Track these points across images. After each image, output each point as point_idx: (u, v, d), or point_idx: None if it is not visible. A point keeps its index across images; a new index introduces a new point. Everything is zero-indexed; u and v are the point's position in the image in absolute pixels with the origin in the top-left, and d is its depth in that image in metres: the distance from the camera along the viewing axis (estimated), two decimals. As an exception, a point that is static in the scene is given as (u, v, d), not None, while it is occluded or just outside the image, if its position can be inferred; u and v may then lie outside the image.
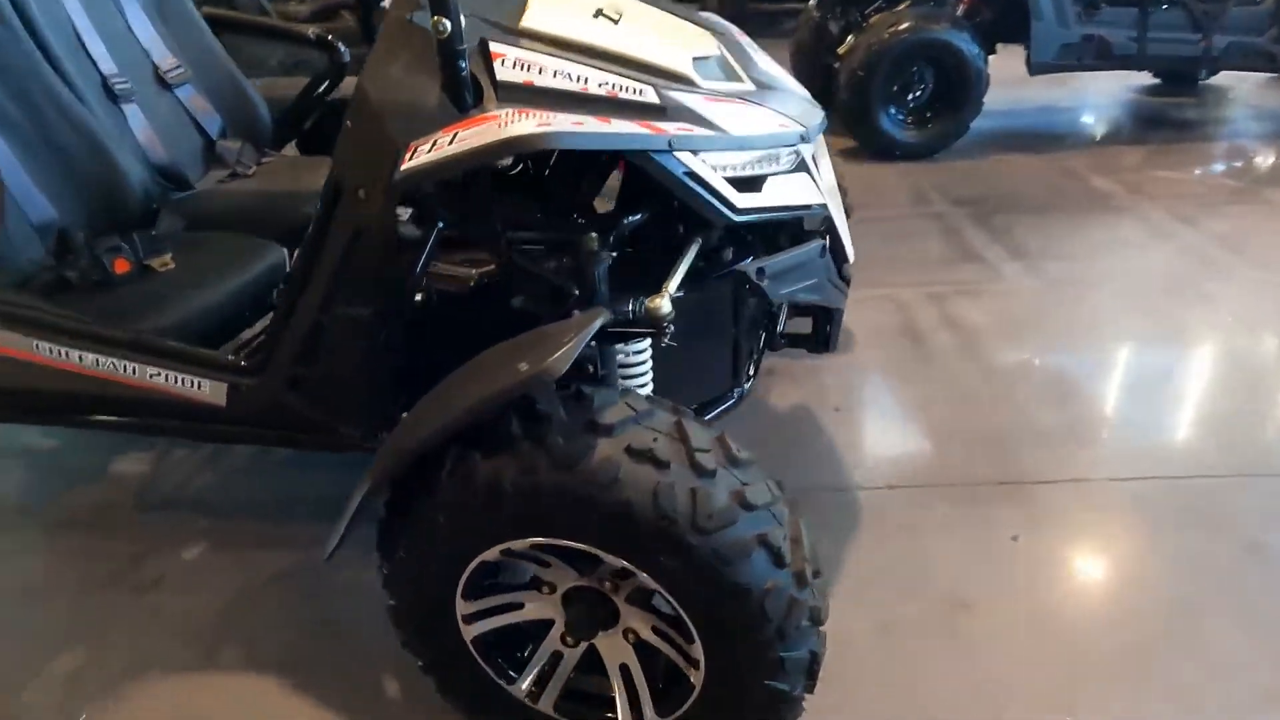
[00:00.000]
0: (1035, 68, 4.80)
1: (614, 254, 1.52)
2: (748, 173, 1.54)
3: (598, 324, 1.21)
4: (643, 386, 1.51)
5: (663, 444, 1.18)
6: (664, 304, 1.39)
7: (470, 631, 1.40)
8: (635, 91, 1.45)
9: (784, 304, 1.96)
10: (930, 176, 4.55)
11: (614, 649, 1.39)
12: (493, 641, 1.43)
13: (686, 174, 1.42)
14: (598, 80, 1.44)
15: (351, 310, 1.49)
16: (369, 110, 1.37)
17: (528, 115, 1.32)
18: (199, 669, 1.76)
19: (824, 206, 1.73)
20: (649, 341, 1.50)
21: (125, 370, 1.66)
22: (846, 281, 2.01)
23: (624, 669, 1.40)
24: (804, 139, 1.65)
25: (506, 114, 1.32)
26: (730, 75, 1.72)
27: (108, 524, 2.21)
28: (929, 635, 1.76)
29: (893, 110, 4.70)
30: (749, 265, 1.52)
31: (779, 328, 2.07)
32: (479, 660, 1.42)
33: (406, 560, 1.33)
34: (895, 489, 2.20)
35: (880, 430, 2.44)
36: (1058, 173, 4.60)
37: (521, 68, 1.43)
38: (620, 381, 1.50)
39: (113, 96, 2.17)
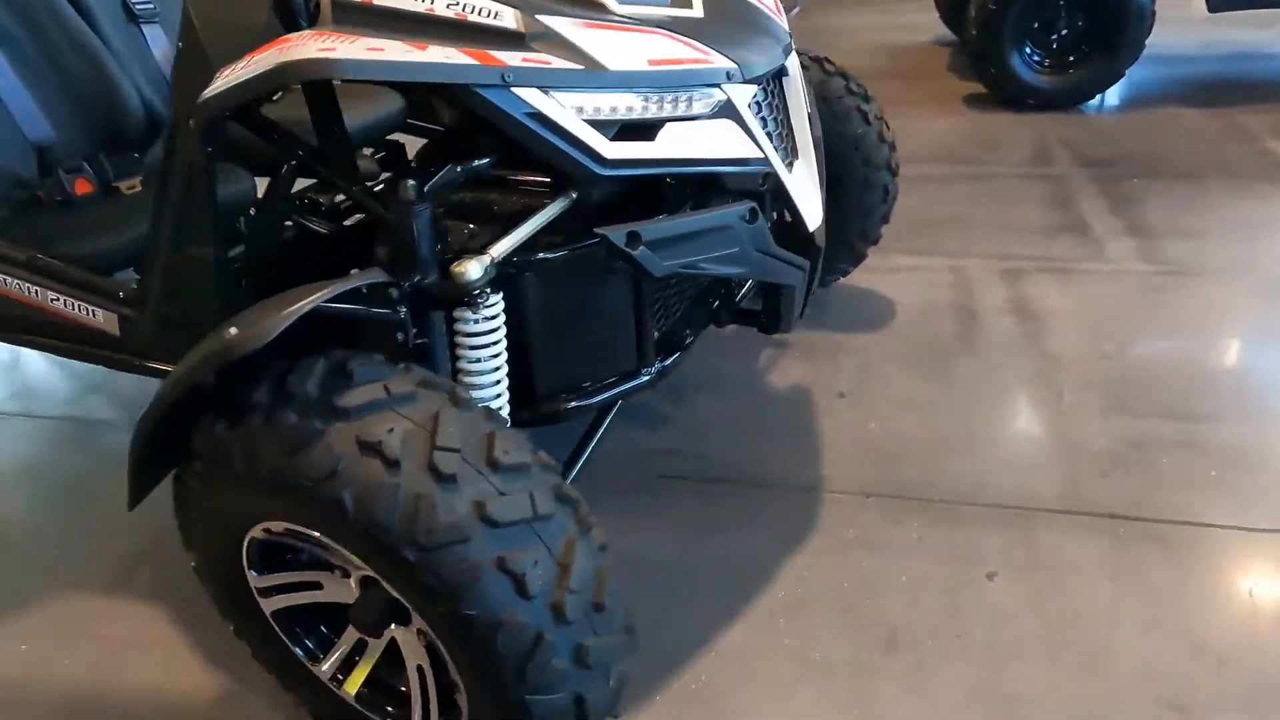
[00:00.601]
0: (1215, 3, 3.97)
1: (449, 204, 1.33)
2: (629, 116, 1.28)
3: (322, 295, 1.04)
4: (488, 363, 1.32)
5: (399, 437, 1.00)
6: (470, 270, 1.18)
7: (269, 605, 1.31)
8: (489, 14, 1.22)
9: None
10: (1062, 130, 3.91)
11: (410, 647, 1.25)
12: (297, 618, 1.33)
13: (530, 115, 1.19)
14: (447, 0, 1.23)
15: (197, 250, 1.39)
16: (192, 27, 1.24)
17: (328, 39, 1.14)
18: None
19: (763, 162, 1.44)
20: (494, 310, 1.30)
21: (28, 291, 1.66)
22: (812, 252, 1.70)
23: (420, 670, 1.26)
24: (730, 77, 1.37)
25: (308, 37, 1.15)
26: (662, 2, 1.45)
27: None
28: (849, 680, 1.50)
29: (1028, 51, 4.06)
30: (615, 230, 1.28)
31: (738, 299, 1.80)
32: (281, 635, 1.33)
33: (189, 523, 1.24)
34: (871, 498, 1.89)
35: (881, 427, 2.11)
36: (1224, 133, 3.82)
37: (366, -16, 1.24)
38: (465, 354, 1.31)
39: (133, 17, 2.17)
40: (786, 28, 1.61)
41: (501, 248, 1.23)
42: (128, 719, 1.53)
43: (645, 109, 1.30)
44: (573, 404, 1.53)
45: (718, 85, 1.37)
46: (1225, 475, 1.88)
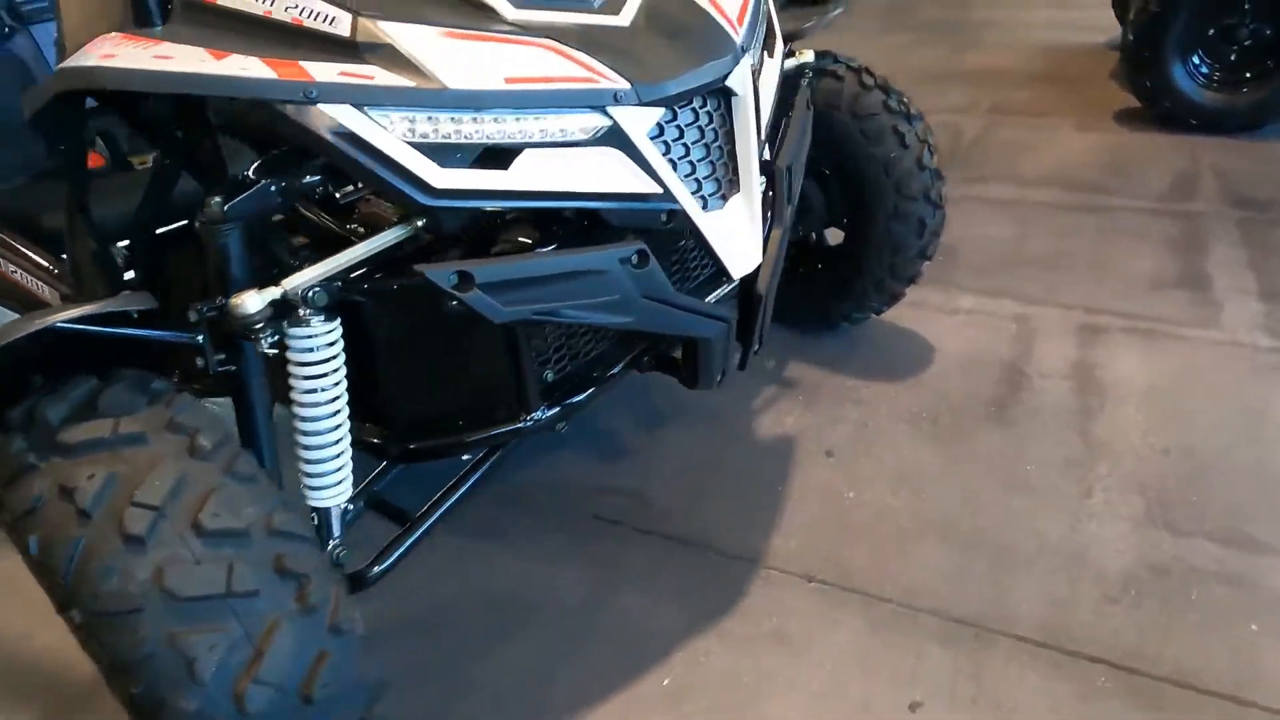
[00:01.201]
0: None
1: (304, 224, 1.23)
2: (473, 140, 1.13)
3: (63, 316, 0.96)
4: (320, 394, 1.21)
5: (97, 485, 0.92)
6: (246, 303, 1.07)
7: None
8: (325, 19, 1.11)
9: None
10: (1219, 159, 3.29)
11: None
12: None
13: (340, 135, 1.06)
14: (287, 3, 1.12)
15: (79, 231, 1.38)
16: (59, 12, 1.21)
17: (120, 43, 1.06)
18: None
19: (661, 198, 1.25)
20: (318, 340, 1.19)
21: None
22: (750, 301, 1.49)
23: None
24: (619, 99, 1.18)
25: (109, 39, 1.08)
26: (586, 2, 1.27)
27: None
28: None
29: (1195, 61, 3.44)
30: (442, 268, 1.13)
31: (663, 344, 1.60)
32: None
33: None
34: (814, 582, 1.65)
35: (858, 498, 1.84)
36: None
37: (207, -21, 1.16)
38: (295, 382, 1.22)
39: None
40: (741, 40, 1.38)
41: (300, 279, 1.12)
42: None
43: (495, 132, 1.14)
44: (435, 443, 1.41)
45: (600, 108, 1.19)
46: (1271, 633, 1.49)
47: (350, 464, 1.29)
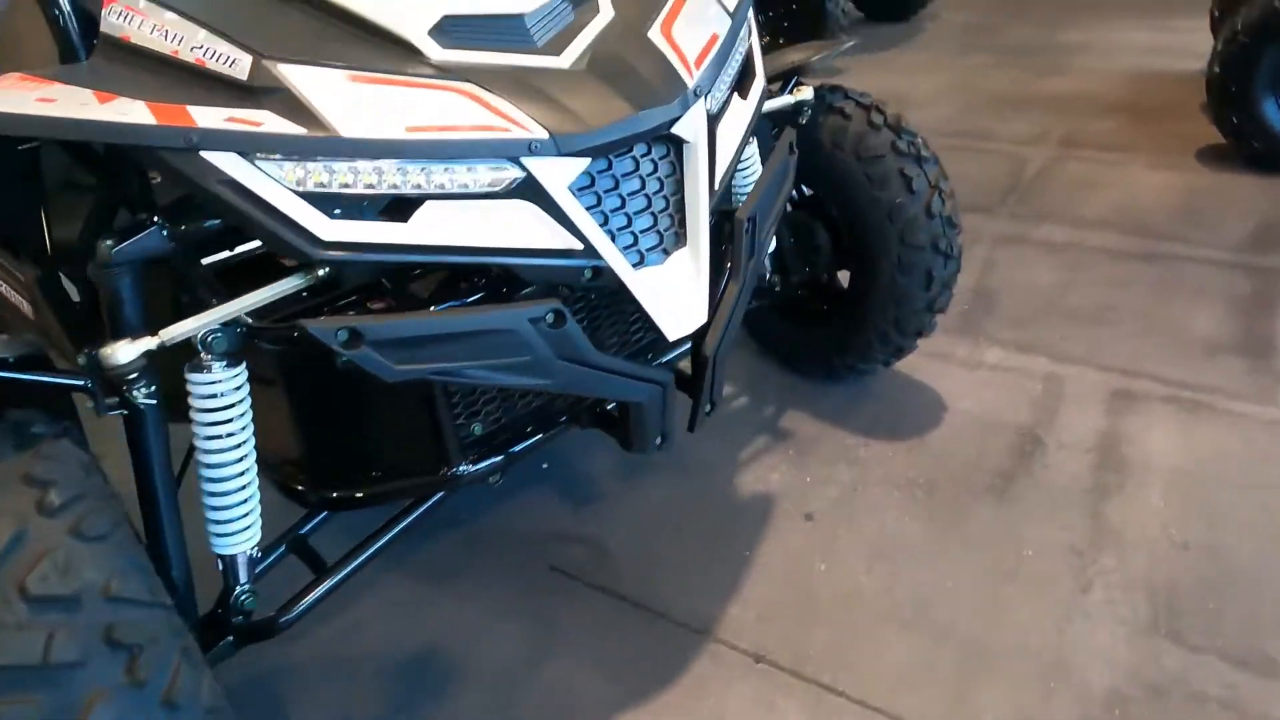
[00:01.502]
0: None
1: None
2: (369, 191, 1.07)
3: None
4: (220, 440, 1.18)
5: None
6: (117, 353, 1.03)
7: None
8: (225, 61, 1.07)
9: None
10: (1316, 208, 2.98)
11: None
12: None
13: (224, 183, 1.02)
14: (192, 43, 1.09)
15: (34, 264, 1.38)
16: None
17: (10, 82, 1.04)
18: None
19: (583, 254, 1.17)
20: (218, 386, 1.15)
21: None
22: (696, 365, 1.39)
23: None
24: (534, 150, 1.11)
25: (7, 78, 1.06)
26: (526, 42, 1.21)
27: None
28: None
29: (1291, 98, 3.12)
30: (328, 324, 1.07)
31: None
32: None
33: None
34: (762, 663, 1.53)
35: (829, 572, 1.70)
36: None
37: (125, 18, 1.14)
38: (196, 427, 1.18)
39: None
40: (695, 84, 1.28)
41: (181, 329, 1.08)
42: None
43: (394, 183, 1.08)
44: (354, 494, 1.36)
45: (514, 159, 1.11)
46: (1272, 777, 1.29)
47: (258, 509, 1.25)
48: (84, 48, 1.18)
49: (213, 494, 1.21)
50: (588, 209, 1.20)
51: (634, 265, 1.24)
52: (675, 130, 1.27)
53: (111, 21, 1.15)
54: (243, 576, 1.27)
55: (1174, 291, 2.56)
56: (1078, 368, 2.24)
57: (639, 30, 1.32)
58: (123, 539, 1.01)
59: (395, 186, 1.08)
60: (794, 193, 2.03)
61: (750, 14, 1.58)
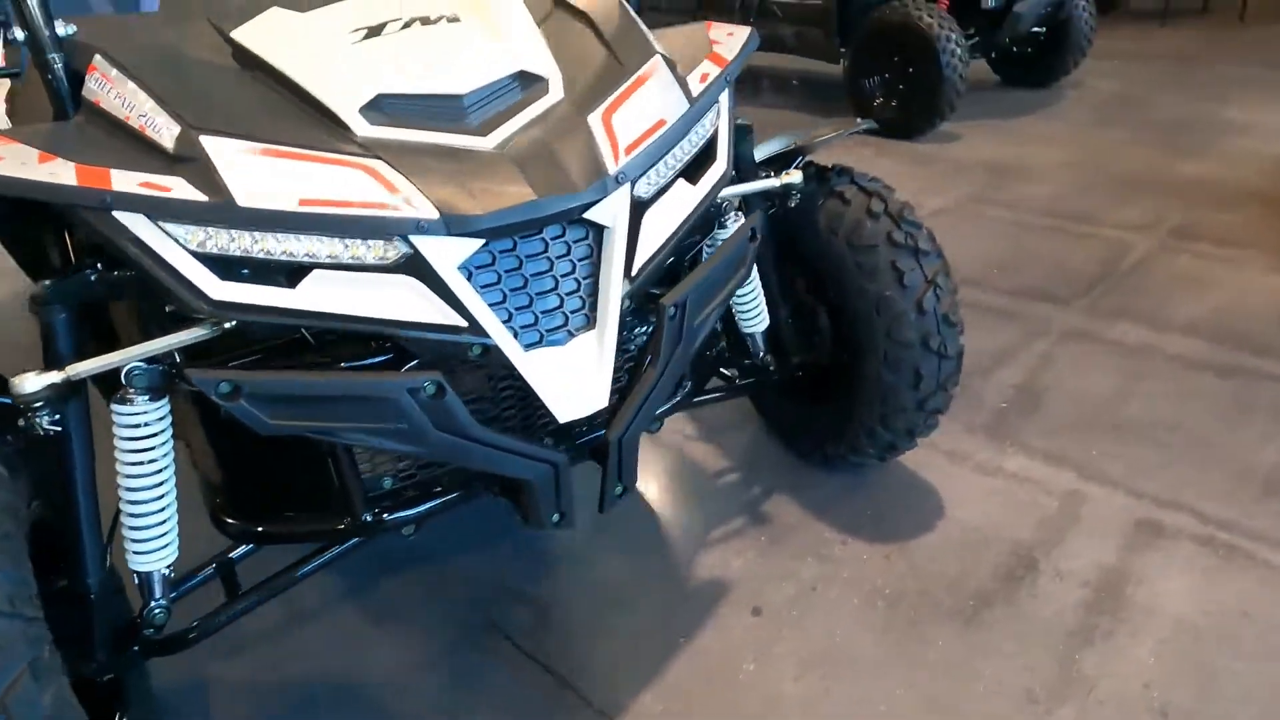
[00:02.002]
0: None
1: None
2: (261, 256, 1.15)
3: None
4: (139, 468, 1.28)
5: None
6: (24, 383, 1.15)
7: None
8: (156, 129, 1.19)
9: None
10: None
11: None
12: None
13: (131, 240, 1.13)
14: (140, 111, 1.22)
15: None
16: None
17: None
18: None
19: (467, 331, 1.20)
20: (137, 419, 1.25)
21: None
22: (600, 450, 1.38)
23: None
24: (422, 228, 1.15)
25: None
26: (458, 122, 1.27)
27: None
28: None
29: None
30: (212, 375, 1.14)
31: None
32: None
33: None
34: (659, 759, 1.48)
35: (756, 674, 1.62)
36: None
37: (100, 85, 1.29)
38: (120, 456, 1.29)
39: None
40: (619, 171, 1.29)
41: (86, 366, 1.19)
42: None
43: (284, 251, 1.15)
44: (271, 530, 1.44)
45: (402, 236, 1.16)
46: None
47: (174, 531, 1.35)
48: (73, 108, 1.33)
49: (131, 515, 1.31)
50: (484, 287, 1.23)
51: (530, 345, 1.26)
52: (590, 215, 1.28)
53: (90, 87, 1.30)
54: (157, 592, 1.36)
55: (1248, 415, 2.28)
56: (1106, 489, 2.04)
57: (579, 114, 1.35)
58: None
59: (290, 254, 1.16)
60: (801, 273, 1.98)
61: (724, 98, 1.58)
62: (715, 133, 1.54)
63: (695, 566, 1.90)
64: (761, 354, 1.98)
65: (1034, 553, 1.87)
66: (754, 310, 1.90)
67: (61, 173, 1.13)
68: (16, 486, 1.21)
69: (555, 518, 1.39)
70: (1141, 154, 4.42)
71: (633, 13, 1.66)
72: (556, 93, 1.38)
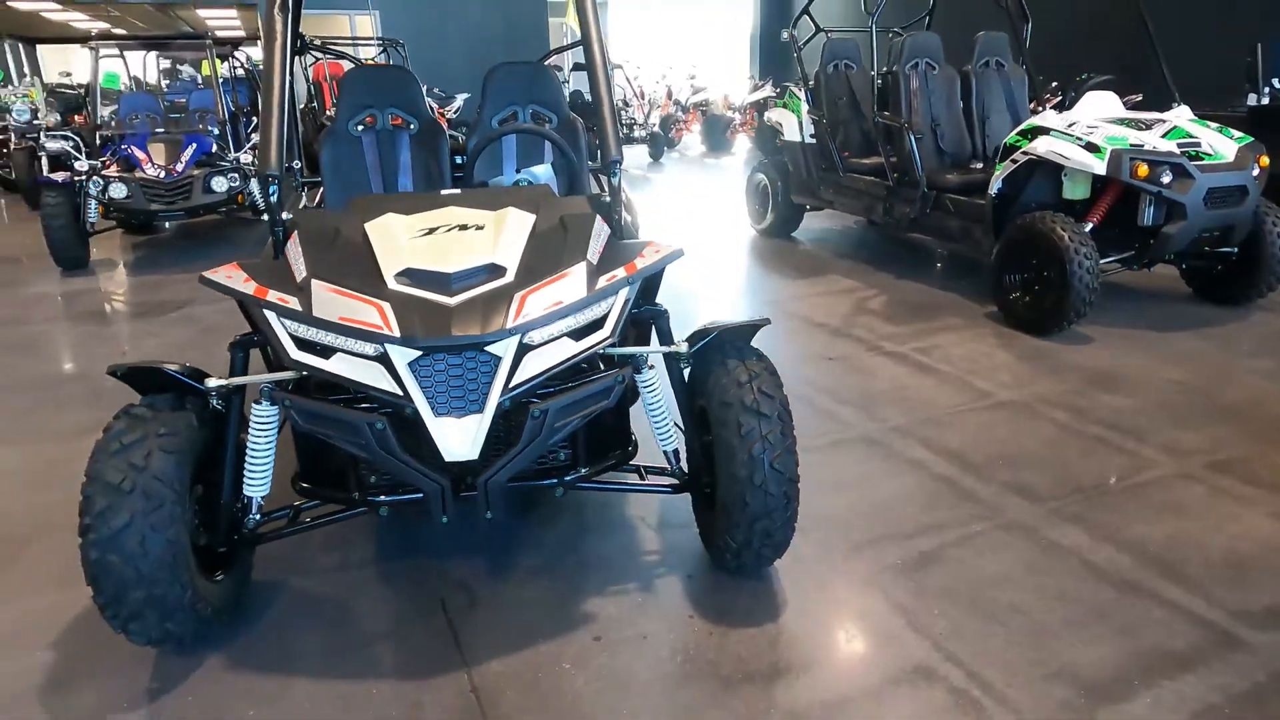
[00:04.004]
0: None
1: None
2: (320, 340, 2.26)
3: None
4: (254, 457, 2.45)
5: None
6: (210, 383, 2.35)
7: None
8: (299, 272, 2.38)
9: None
10: None
11: None
12: None
13: (265, 324, 2.31)
14: (296, 260, 2.43)
15: None
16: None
17: (229, 269, 2.46)
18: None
19: (402, 399, 2.21)
20: (259, 419, 2.42)
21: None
22: (459, 480, 2.31)
23: None
24: (386, 341, 2.20)
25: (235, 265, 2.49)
26: (442, 287, 2.31)
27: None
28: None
29: None
30: (282, 395, 2.27)
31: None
32: None
33: None
34: None
35: (570, 675, 2.37)
36: None
37: (291, 244, 2.54)
38: (249, 433, 2.47)
39: None
40: (514, 327, 2.23)
41: (223, 382, 2.37)
42: None
43: (325, 339, 2.26)
44: (320, 493, 2.55)
45: (380, 343, 2.22)
46: None
47: (269, 478, 2.49)
48: (278, 255, 2.59)
49: (250, 464, 2.47)
50: (419, 374, 2.23)
51: (439, 413, 2.23)
52: (490, 349, 2.25)
53: (287, 244, 2.55)
54: (254, 509, 2.51)
55: (1103, 623, 2.55)
56: (919, 638, 2.49)
57: (512, 291, 2.33)
58: (158, 465, 2.28)
59: (328, 342, 2.26)
60: (703, 413, 2.73)
61: (623, 292, 2.46)
62: (608, 313, 2.43)
63: (581, 599, 2.68)
64: (671, 467, 2.76)
65: (786, 668, 2.40)
66: (662, 433, 2.71)
67: (247, 287, 2.35)
68: (195, 432, 2.41)
69: (444, 519, 2.34)
70: (1267, 389, 4.36)
71: (595, 226, 2.64)
72: (509, 277, 2.38)
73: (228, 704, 2.28)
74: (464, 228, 2.56)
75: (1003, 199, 5.68)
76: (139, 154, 7.57)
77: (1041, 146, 5.33)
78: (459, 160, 4.16)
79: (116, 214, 7.61)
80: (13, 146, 11.02)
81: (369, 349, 2.23)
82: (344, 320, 2.24)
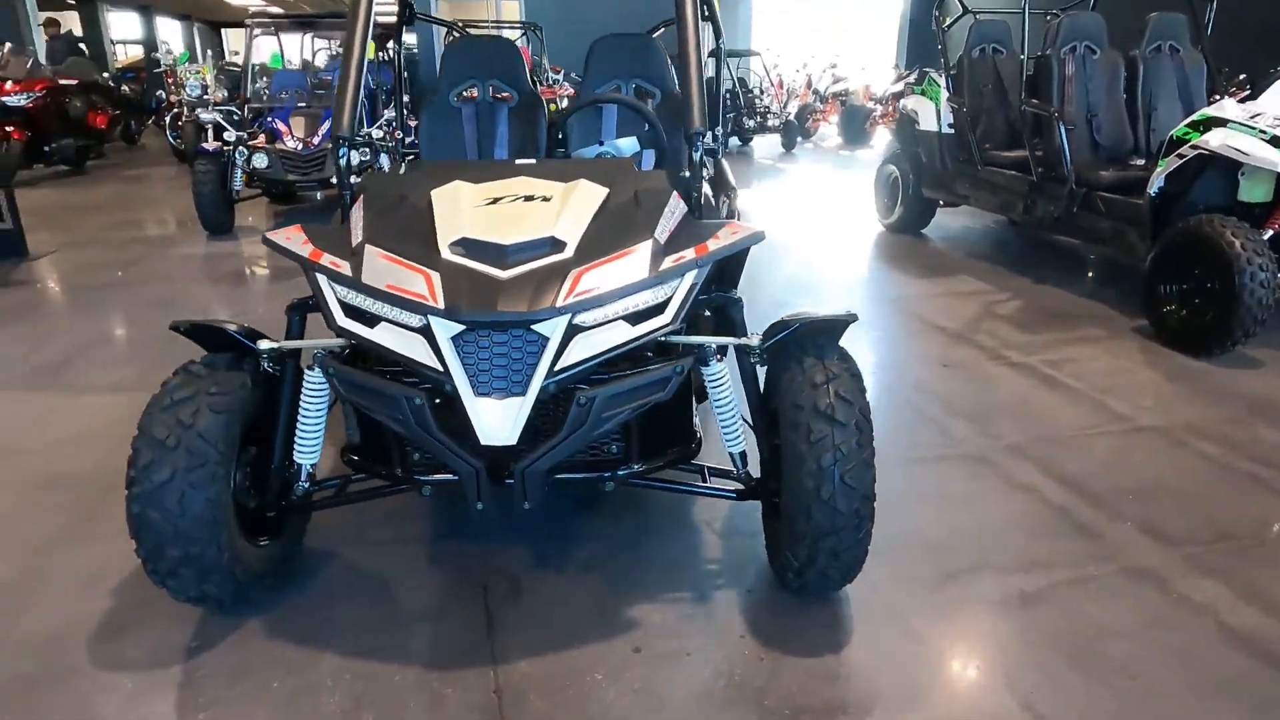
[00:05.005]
0: None
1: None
2: (363, 306, 2.17)
3: None
4: (304, 423, 2.40)
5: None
6: (262, 345, 2.30)
7: None
8: (356, 237, 2.30)
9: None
10: None
11: None
12: None
13: (315, 286, 2.24)
14: (355, 225, 2.35)
15: None
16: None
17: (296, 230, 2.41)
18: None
19: (441, 375, 2.08)
20: (313, 381, 2.36)
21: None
22: (496, 465, 2.17)
23: None
24: (429, 313, 2.08)
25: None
26: (497, 260, 2.17)
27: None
28: None
29: None
30: (326, 363, 2.20)
31: None
32: None
33: None
34: None
35: (597, 687, 2.19)
36: None
37: (355, 207, 2.46)
38: (301, 398, 2.43)
39: None
40: (562, 305, 2.06)
41: (278, 345, 2.33)
42: None
43: (371, 306, 2.16)
44: (361, 465, 2.48)
45: (424, 313, 2.10)
46: None
47: (319, 447, 2.43)
48: (345, 217, 2.53)
49: (302, 431, 2.42)
50: (462, 351, 2.10)
51: (480, 393, 2.10)
52: (537, 328, 2.09)
53: (354, 207, 2.48)
54: (303, 476, 2.45)
55: (1230, 695, 2.13)
56: (997, 686, 2.16)
57: (567, 269, 2.16)
58: (204, 423, 2.25)
59: (374, 311, 2.16)
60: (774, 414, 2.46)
61: (690, 276, 2.23)
62: (671, 298, 2.22)
63: (627, 603, 2.49)
64: (737, 471, 2.53)
65: (840, 708, 2.12)
66: (729, 433, 2.47)
67: (304, 249, 2.29)
68: (249, 393, 2.38)
69: (479, 505, 2.20)
70: None
71: (670, 203, 2.43)
72: (568, 253, 2.21)
73: (256, 670, 2.25)
74: (530, 199, 2.41)
75: (1164, 199, 5.03)
76: (281, 126, 7.95)
77: (1215, 140, 4.67)
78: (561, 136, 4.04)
79: (259, 183, 8.04)
80: (184, 119, 11.91)
81: (413, 320, 2.12)
82: (390, 288, 2.13)
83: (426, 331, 2.10)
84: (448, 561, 2.72)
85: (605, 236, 2.28)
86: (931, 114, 7.13)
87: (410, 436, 2.18)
